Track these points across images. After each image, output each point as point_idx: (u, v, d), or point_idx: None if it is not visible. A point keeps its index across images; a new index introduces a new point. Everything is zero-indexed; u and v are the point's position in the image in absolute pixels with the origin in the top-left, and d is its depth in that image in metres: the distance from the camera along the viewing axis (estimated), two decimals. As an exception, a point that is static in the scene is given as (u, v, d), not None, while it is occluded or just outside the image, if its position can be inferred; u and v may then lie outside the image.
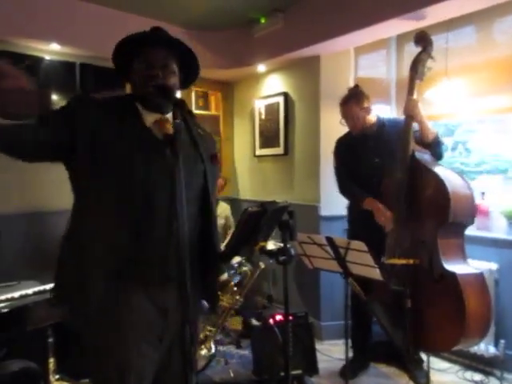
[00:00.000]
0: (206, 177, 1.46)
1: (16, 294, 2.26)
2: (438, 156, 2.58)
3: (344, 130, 3.08)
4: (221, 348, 3.05)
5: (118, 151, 1.31)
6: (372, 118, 2.81)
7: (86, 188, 1.33)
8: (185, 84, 1.53)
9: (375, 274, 2.09)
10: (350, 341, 2.33)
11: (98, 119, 1.32)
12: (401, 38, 3.35)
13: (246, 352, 3.25)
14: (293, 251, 1.36)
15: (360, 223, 2.84)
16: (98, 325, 1.31)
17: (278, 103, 4.00)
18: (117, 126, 1.34)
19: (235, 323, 3.72)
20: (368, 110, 2.78)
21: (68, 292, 1.34)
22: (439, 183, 2.33)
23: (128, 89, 1.57)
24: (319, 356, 2.95)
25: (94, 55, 3.30)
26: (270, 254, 1.37)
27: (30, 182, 3.23)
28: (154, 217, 1.32)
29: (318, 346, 3.12)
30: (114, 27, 3.27)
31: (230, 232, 3.87)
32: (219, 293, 1.55)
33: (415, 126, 2.53)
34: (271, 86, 4.11)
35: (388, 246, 2.52)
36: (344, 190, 2.97)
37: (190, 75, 1.53)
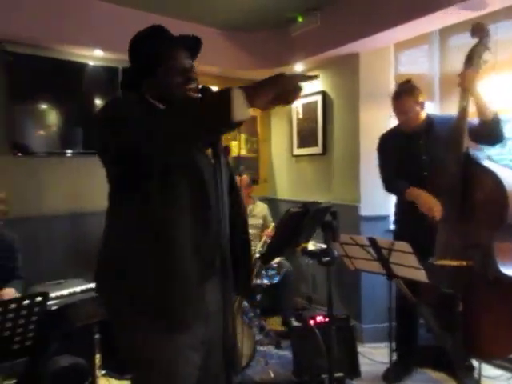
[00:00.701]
0: (231, 174, 1.47)
1: (65, 292, 2.35)
2: (499, 137, 2.39)
3: (385, 127, 3.00)
4: (260, 348, 3.04)
5: None
6: (423, 114, 2.71)
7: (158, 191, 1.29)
8: None
9: (420, 275, 2.03)
10: (393, 344, 2.27)
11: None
12: (444, 32, 3.22)
13: (286, 352, 3.23)
14: (336, 252, 1.33)
15: (407, 222, 2.71)
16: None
17: (315, 102, 3.96)
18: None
19: (274, 323, 3.71)
20: (423, 105, 2.66)
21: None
22: (496, 182, 2.19)
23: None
24: (361, 359, 2.90)
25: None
26: (312, 255, 1.35)
27: (75, 185, 3.37)
28: (211, 215, 1.31)
29: (360, 348, 3.06)
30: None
31: (265, 233, 3.84)
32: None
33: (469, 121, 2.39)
34: (309, 85, 4.07)
35: (438, 246, 2.39)
36: (389, 185, 2.83)
37: None
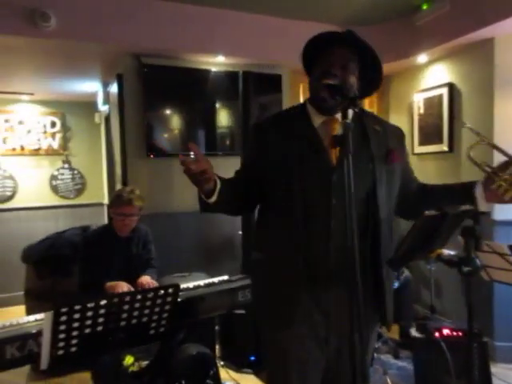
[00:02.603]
0: (374, 177, 1.39)
1: (190, 285, 2.51)
2: None
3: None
4: (379, 356, 2.91)
5: (284, 154, 1.39)
6: None
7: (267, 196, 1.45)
8: (366, 91, 1.48)
9: None
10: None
11: (273, 138, 1.43)
12: None
13: (405, 363, 3.05)
14: (479, 262, 1.19)
15: None
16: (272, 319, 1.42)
17: (440, 96, 3.65)
18: (287, 135, 1.41)
19: (392, 332, 3.52)
20: None
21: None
22: None
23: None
24: (494, 381, 2.60)
25: (254, 63, 3.49)
26: (451, 263, 1.23)
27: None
28: (311, 214, 1.35)
29: (493, 368, 2.74)
30: (274, 34, 3.41)
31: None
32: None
33: None
34: (433, 78, 3.78)
35: None
36: None
37: (372, 82, 1.46)
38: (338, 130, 1.39)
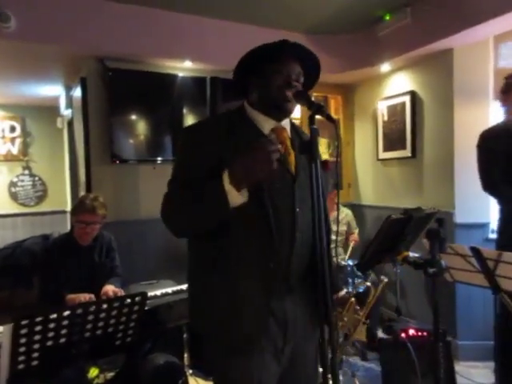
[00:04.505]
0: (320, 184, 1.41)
1: (158, 293, 2.46)
2: None
3: (483, 127, 2.75)
4: (347, 358, 2.94)
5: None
6: None
7: None
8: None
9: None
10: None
11: (216, 143, 1.31)
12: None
13: (373, 365, 3.10)
14: (444, 263, 1.23)
15: None
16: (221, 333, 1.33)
17: (403, 103, 3.77)
18: (231, 140, 1.31)
19: (360, 333, 3.57)
20: None
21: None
22: None
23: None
24: (458, 378, 2.68)
25: (222, 69, 3.48)
26: (416, 264, 1.26)
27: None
28: (279, 223, 1.30)
29: (455, 366, 2.83)
30: (240, 40, 3.42)
31: (352, 239, 3.74)
32: (338, 310, 1.47)
33: None
34: (396, 86, 3.90)
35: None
36: (496, 189, 2.54)
37: (308, 82, 1.46)
38: (287, 138, 1.39)
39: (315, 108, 1.22)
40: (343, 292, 1.52)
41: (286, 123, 1.43)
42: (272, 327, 1.31)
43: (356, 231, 3.85)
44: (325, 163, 1.42)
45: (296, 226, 1.32)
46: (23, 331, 1.47)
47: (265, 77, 1.37)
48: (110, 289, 2.42)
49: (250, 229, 1.28)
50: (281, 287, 1.31)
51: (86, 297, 2.27)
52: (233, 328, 1.28)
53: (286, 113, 1.39)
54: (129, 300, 1.72)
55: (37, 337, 1.51)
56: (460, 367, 3.06)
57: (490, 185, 2.55)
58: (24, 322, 1.46)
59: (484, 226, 3.22)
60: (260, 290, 1.28)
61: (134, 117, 3.43)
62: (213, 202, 1.20)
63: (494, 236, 2.88)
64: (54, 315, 1.53)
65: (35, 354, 1.54)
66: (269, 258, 1.28)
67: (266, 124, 1.38)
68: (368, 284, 3.10)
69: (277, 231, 1.29)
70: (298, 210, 1.32)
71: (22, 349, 1.50)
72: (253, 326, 1.27)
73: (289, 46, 1.36)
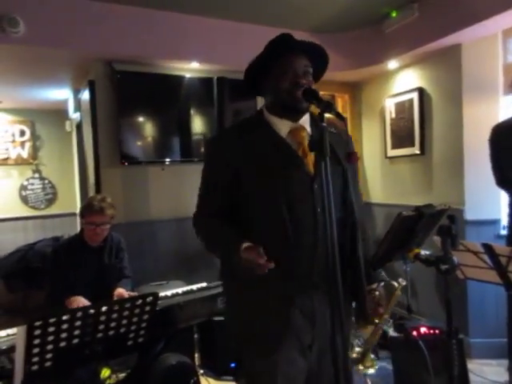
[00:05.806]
0: (345, 177, 1.41)
1: (168, 293, 2.47)
2: None
3: (494, 122, 2.72)
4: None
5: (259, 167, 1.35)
6: None
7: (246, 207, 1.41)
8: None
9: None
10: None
11: (236, 152, 1.37)
12: None
13: (384, 363, 3.07)
14: (456, 260, 1.22)
15: None
16: (250, 333, 1.39)
17: (411, 100, 3.75)
18: (256, 150, 1.36)
19: (368, 332, 3.55)
20: None
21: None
22: None
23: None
24: (471, 376, 2.66)
25: (228, 69, 3.49)
26: (429, 262, 1.25)
27: (178, 191, 3.55)
28: (299, 226, 1.32)
29: (468, 364, 2.80)
30: (246, 39, 3.41)
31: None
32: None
33: None
34: (403, 83, 3.87)
35: None
36: (506, 181, 2.52)
37: (317, 72, 1.47)
38: (305, 137, 1.39)
39: (324, 106, 1.22)
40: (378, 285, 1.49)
41: (304, 120, 1.43)
42: (299, 324, 1.34)
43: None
44: (350, 155, 1.43)
45: (318, 225, 1.32)
46: (37, 332, 1.48)
47: (273, 80, 1.39)
48: (123, 292, 2.42)
49: (270, 233, 1.33)
50: (307, 286, 1.34)
51: (84, 302, 2.25)
52: (260, 324, 1.34)
53: (300, 113, 1.41)
54: (140, 301, 1.73)
55: (50, 338, 1.53)
56: (473, 365, 3.03)
57: (504, 180, 2.53)
58: (38, 324, 1.47)
59: (495, 223, 3.18)
60: (285, 289, 1.32)
61: (142, 118, 3.46)
62: (225, 255, 1.40)
63: (504, 232, 2.85)
64: (67, 316, 1.54)
65: (49, 355, 1.55)
66: (288, 260, 1.31)
67: (283, 126, 1.41)
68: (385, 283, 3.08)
69: (294, 235, 1.31)
70: (319, 209, 1.32)
71: (36, 350, 1.51)
72: (278, 322, 1.32)
73: (288, 40, 1.36)
